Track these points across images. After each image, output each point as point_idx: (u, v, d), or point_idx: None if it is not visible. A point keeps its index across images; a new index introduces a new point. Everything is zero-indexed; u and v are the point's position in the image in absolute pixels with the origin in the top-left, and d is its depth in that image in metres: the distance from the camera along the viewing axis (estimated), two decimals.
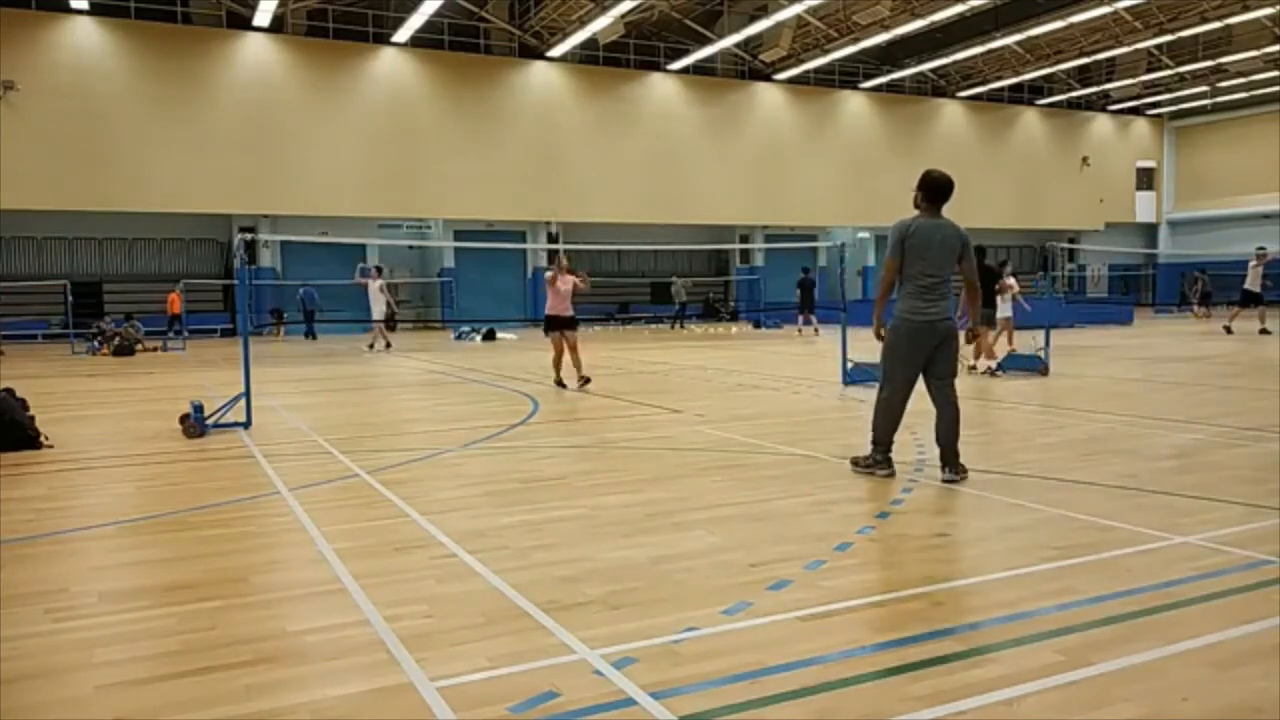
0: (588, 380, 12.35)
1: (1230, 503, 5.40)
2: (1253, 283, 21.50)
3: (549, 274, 12.66)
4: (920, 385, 6.15)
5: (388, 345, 22.05)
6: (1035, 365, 12.90)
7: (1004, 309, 16.36)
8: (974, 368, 13.48)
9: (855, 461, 6.42)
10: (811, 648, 3.32)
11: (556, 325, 12.59)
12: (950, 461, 6.03)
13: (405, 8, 28.44)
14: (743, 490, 5.99)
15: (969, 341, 7.07)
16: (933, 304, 5.92)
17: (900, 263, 5.98)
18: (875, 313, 6.23)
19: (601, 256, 36.15)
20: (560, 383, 12.54)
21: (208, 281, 29.01)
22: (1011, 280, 16.44)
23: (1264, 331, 21.04)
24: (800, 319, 26.21)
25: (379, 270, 22.68)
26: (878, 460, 6.21)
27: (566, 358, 12.54)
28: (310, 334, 28.51)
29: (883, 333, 6.18)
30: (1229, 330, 21.54)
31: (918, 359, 6.01)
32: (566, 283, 12.55)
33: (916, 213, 6.06)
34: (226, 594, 4.05)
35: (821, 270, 38.71)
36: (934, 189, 6.02)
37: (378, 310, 21.68)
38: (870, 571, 4.24)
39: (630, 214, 33.29)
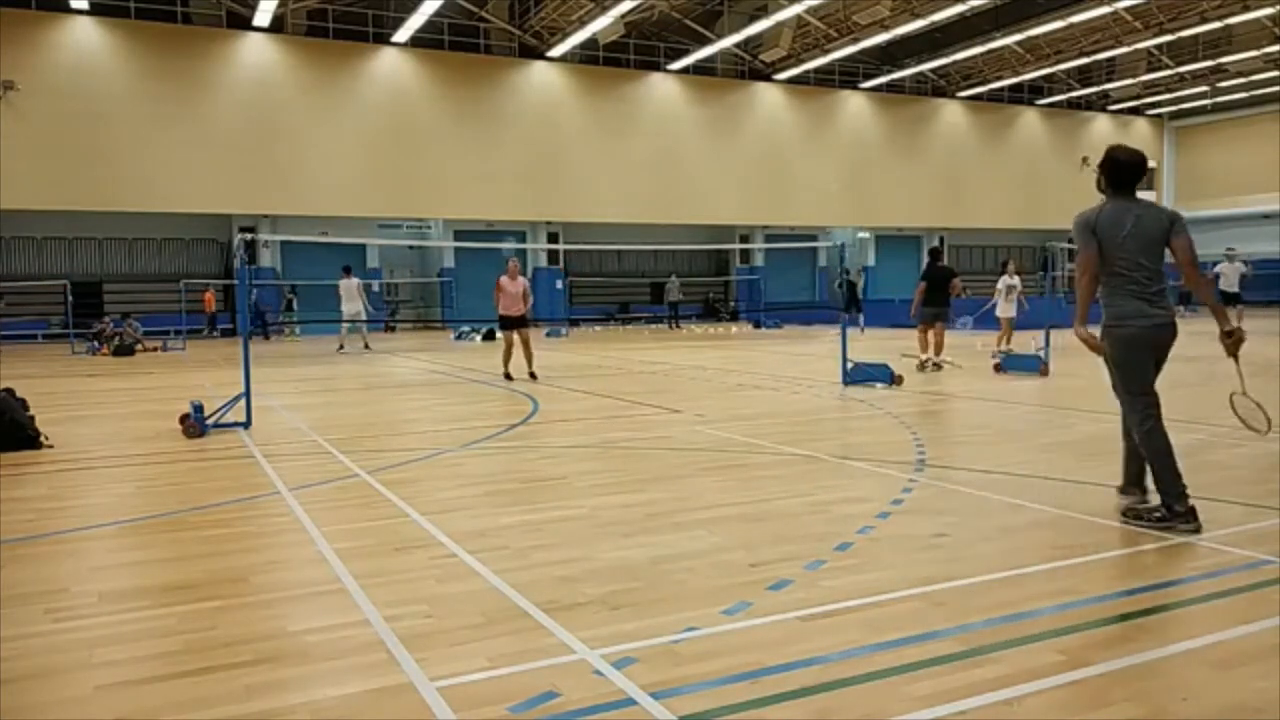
0: (534, 376, 13.37)
1: (1230, 503, 5.40)
2: (1228, 283, 21.40)
3: (502, 277, 13.69)
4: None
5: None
6: (1035, 365, 12.90)
7: (1008, 309, 16.42)
8: (924, 364, 13.77)
9: (1140, 515, 5.01)
10: (811, 648, 3.31)
11: (509, 324, 13.66)
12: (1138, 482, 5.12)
13: (405, 8, 28.44)
14: (743, 490, 5.99)
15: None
16: (1155, 304, 4.91)
17: (1098, 257, 4.90)
18: (1079, 317, 5.09)
19: (601, 256, 36.17)
20: (508, 375, 13.53)
21: (208, 281, 29.01)
22: (1015, 280, 16.50)
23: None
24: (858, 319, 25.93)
25: (347, 270, 22.33)
26: (1178, 513, 4.81)
27: (518, 352, 13.62)
28: (263, 335, 27.78)
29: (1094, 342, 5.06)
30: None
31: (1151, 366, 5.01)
32: (517, 285, 13.53)
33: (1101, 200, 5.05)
34: (226, 594, 4.05)
35: (822, 270, 38.79)
36: (1116, 170, 4.98)
37: (350, 309, 21.55)
38: (870, 571, 4.24)
39: (630, 214, 33.29)
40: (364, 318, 22.01)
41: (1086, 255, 4.91)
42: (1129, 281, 4.86)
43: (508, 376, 13.45)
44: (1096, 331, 5.02)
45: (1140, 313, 4.86)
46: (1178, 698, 2.90)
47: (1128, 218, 4.85)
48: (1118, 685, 2.99)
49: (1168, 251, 4.94)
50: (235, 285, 23.24)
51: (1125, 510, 5.04)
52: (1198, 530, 4.71)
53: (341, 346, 22.04)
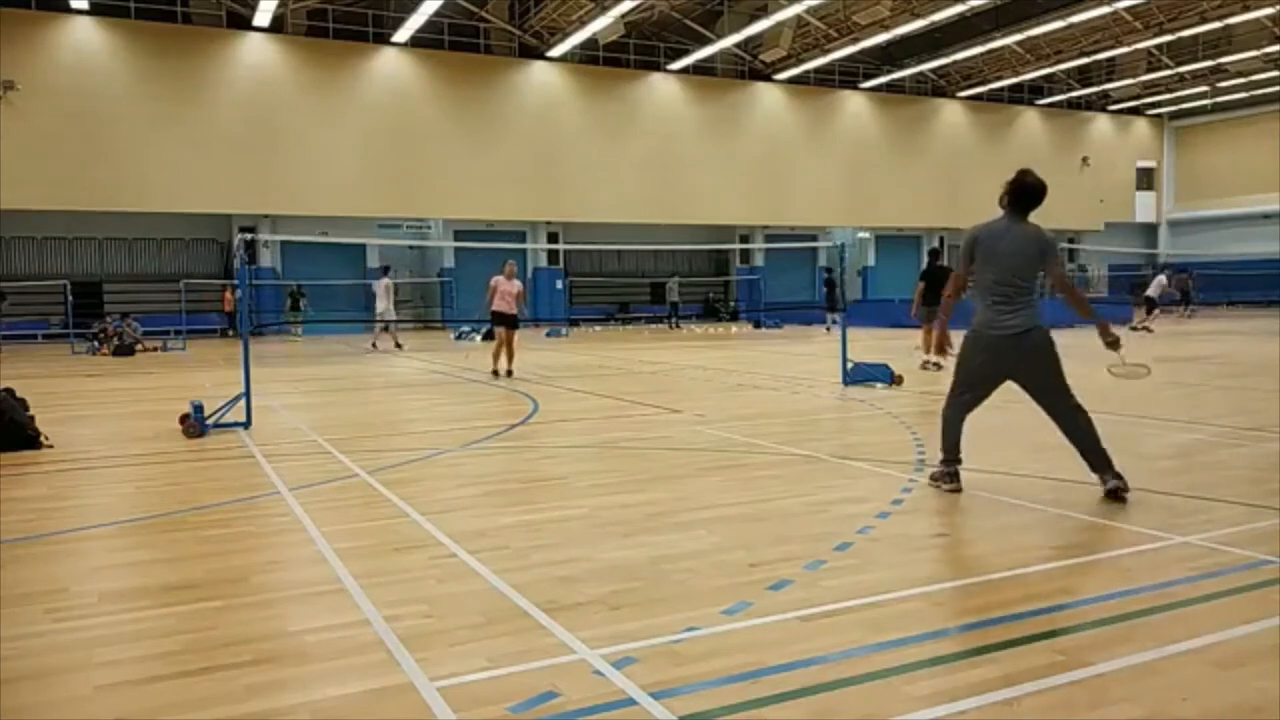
0: (510, 373, 13.89)
1: (1230, 503, 5.40)
2: (1154, 290, 23.98)
3: (498, 278, 14.15)
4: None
5: (374, 345, 22.06)
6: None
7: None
8: (926, 364, 13.79)
9: (933, 477, 5.89)
10: (811, 648, 3.31)
11: (501, 322, 14.12)
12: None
13: (405, 8, 28.44)
14: (743, 490, 5.99)
15: None
16: (1010, 313, 5.41)
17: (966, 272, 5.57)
18: (940, 324, 5.92)
19: (601, 256, 36.16)
20: (496, 373, 13.95)
21: (208, 281, 29.02)
22: None
23: (1141, 328, 22.67)
24: (830, 318, 26.21)
25: (385, 270, 22.62)
26: (943, 472, 5.76)
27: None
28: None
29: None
30: (1145, 328, 22.84)
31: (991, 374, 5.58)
32: (514, 286, 14.03)
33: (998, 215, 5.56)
34: (226, 594, 4.05)
35: (822, 270, 38.79)
36: (1021, 194, 5.47)
37: (380, 307, 21.72)
38: (870, 571, 4.23)
39: (630, 214, 33.29)
40: (391, 317, 21.96)
41: (959, 272, 5.66)
42: (991, 293, 5.41)
43: (495, 374, 13.89)
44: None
45: (991, 322, 5.41)
46: (1178, 698, 2.89)
47: (1007, 237, 5.40)
48: (1118, 685, 2.98)
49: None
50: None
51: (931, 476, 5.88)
52: (957, 490, 5.60)
53: (374, 345, 22.11)
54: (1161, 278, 24.83)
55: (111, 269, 30.26)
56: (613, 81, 33.42)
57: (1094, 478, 5.56)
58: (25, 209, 26.40)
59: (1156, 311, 23.82)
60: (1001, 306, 5.38)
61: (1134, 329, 22.66)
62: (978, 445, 7.05)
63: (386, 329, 22.94)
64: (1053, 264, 5.44)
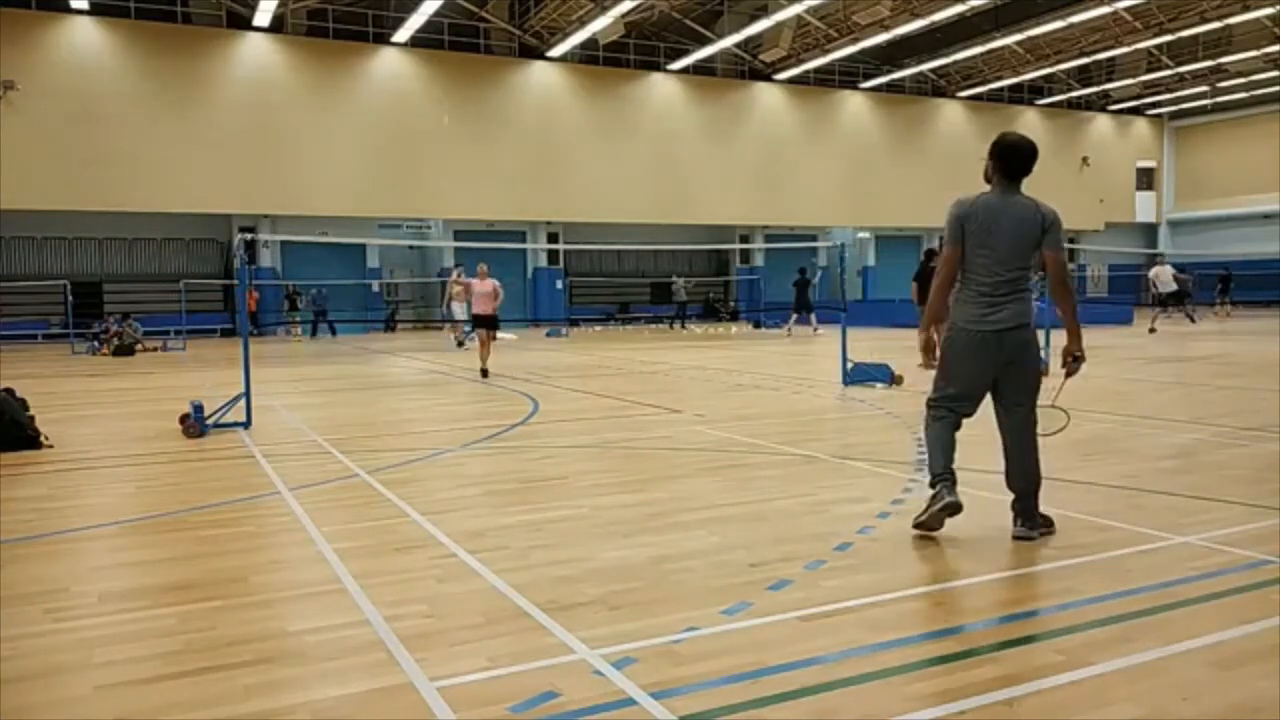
0: (485, 374, 14.02)
1: (1230, 503, 5.40)
2: (1165, 285, 23.93)
3: (471, 280, 14.50)
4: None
5: (459, 343, 21.90)
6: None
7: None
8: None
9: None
10: (811, 648, 3.31)
11: (482, 323, 14.44)
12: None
13: (405, 8, 28.45)
14: (743, 490, 5.99)
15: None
16: (998, 308, 4.62)
17: (961, 253, 4.65)
18: (927, 317, 4.99)
19: (601, 256, 36.16)
20: (485, 372, 14.05)
21: (208, 281, 29.02)
22: None
23: (1153, 330, 22.46)
24: (793, 318, 25.95)
25: (460, 269, 22.14)
26: (933, 486, 4.87)
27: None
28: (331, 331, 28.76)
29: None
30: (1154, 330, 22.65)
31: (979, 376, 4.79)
32: (486, 286, 14.28)
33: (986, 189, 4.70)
34: (226, 594, 4.05)
35: (822, 270, 38.79)
36: (1009, 156, 4.62)
37: (458, 310, 21.55)
38: (870, 571, 4.23)
39: (630, 214, 33.30)
40: (460, 316, 21.85)
41: (951, 252, 4.67)
42: (978, 281, 4.62)
43: (484, 373, 14.01)
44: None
45: (976, 317, 4.63)
46: (1178, 698, 2.89)
47: (1006, 213, 4.57)
48: (1118, 685, 2.98)
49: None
50: (235, 285, 23.23)
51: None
52: (958, 510, 4.68)
53: (461, 343, 21.88)
54: (1168, 268, 24.20)
55: (111, 269, 30.26)
56: (613, 81, 33.43)
57: (1093, 478, 5.56)
58: (25, 209, 26.40)
59: (1188, 305, 23.37)
60: (991, 297, 4.60)
61: (1192, 318, 22.56)
62: (978, 445, 7.05)
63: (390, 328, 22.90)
64: (1056, 245, 4.59)
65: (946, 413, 4.89)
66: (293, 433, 8.81)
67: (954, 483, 4.76)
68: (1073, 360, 4.87)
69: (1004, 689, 2.95)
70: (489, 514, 5.44)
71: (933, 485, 4.78)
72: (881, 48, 34.14)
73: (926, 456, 4.98)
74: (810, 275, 26.93)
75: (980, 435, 8.26)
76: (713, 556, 4.48)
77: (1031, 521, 4.72)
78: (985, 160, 4.73)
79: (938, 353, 4.98)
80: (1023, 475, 4.77)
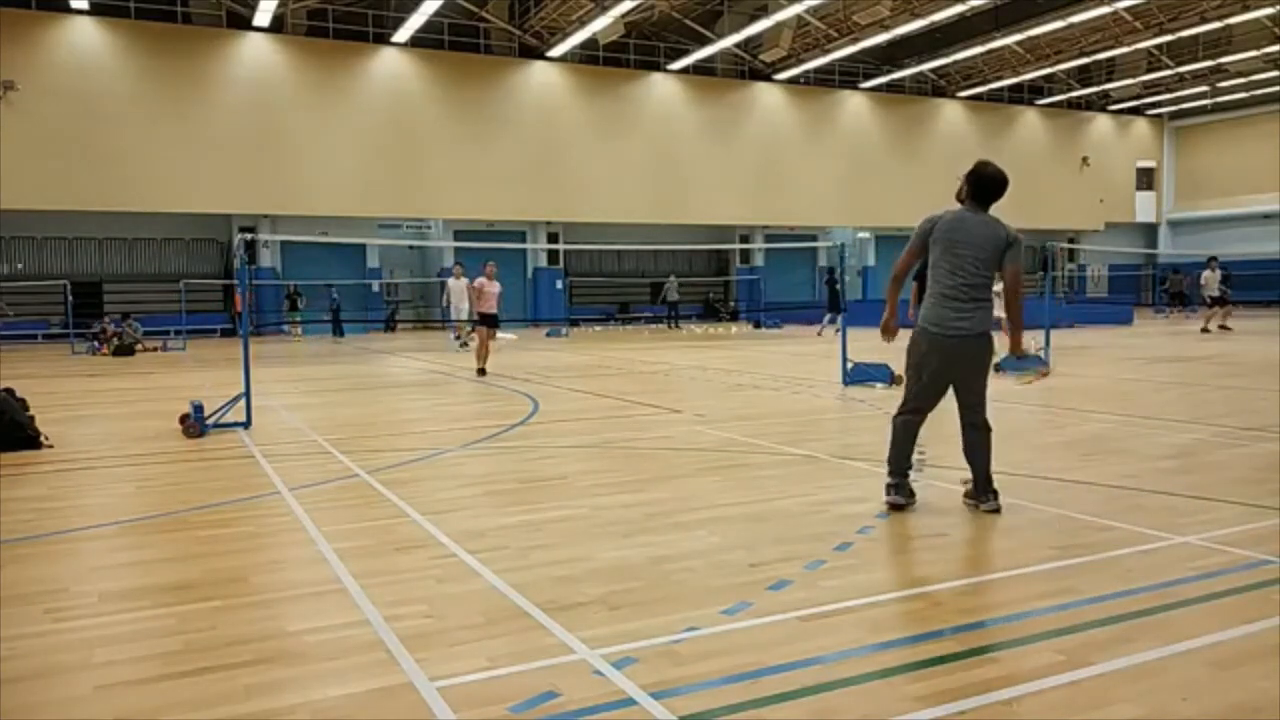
0: (483, 372, 14.13)
1: (1230, 503, 5.40)
2: (1210, 289, 23.27)
3: (481, 280, 14.45)
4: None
5: (463, 344, 21.12)
6: (1035, 365, 12.90)
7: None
8: None
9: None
10: (811, 648, 3.32)
11: (485, 321, 14.48)
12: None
13: (405, 8, 28.45)
14: (743, 490, 5.99)
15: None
16: (962, 315, 5.06)
17: (917, 259, 5.20)
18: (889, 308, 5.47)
19: (601, 256, 36.16)
20: (482, 370, 14.19)
21: (208, 281, 29.03)
22: None
23: (1206, 330, 22.24)
24: (826, 319, 25.66)
25: (461, 266, 21.51)
26: (890, 485, 5.35)
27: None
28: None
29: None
30: (1209, 331, 22.35)
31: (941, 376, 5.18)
32: (494, 286, 14.40)
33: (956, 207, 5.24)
34: (226, 594, 4.05)
35: (822, 270, 38.81)
36: (981, 185, 5.17)
37: (463, 309, 20.62)
38: (870, 571, 4.24)
39: (630, 214, 33.30)
40: (465, 315, 21.41)
41: (906, 256, 5.30)
42: (944, 288, 5.05)
43: (481, 372, 14.14)
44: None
45: (942, 320, 5.04)
46: (1178, 698, 2.90)
47: (967, 229, 5.06)
48: (1118, 685, 2.98)
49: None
50: (235, 285, 23.14)
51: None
52: (898, 504, 5.22)
53: (465, 344, 21.04)
54: (1218, 273, 23.52)
55: (111, 269, 30.26)
56: (613, 81, 33.42)
57: (1093, 478, 5.56)
58: (25, 209, 26.39)
59: (1228, 307, 22.74)
60: (955, 304, 5.01)
61: (1206, 330, 22.27)
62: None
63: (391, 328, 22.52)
64: (1014, 261, 5.09)
65: (913, 414, 5.31)
66: (293, 433, 8.81)
67: (908, 486, 5.35)
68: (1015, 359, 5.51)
69: (1004, 689, 2.95)
70: (489, 514, 5.44)
71: (889, 475, 5.32)
72: (881, 48, 34.14)
73: (889, 451, 5.36)
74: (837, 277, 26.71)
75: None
76: (713, 556, 4.48)
77: (991, 492, 5.18)
78: (959, 180, 5.27)
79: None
80: (972, 463, 5.25)
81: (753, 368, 15.24)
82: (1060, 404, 10.10)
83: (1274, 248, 37.24)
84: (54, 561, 4.66)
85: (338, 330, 29.20)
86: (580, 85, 32.93)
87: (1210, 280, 23.09)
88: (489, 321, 14.51)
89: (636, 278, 37.33)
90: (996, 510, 5.14)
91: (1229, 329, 22.17)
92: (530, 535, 4.93)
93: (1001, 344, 6.18)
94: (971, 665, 3.15)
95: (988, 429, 5.23)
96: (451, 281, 20.72)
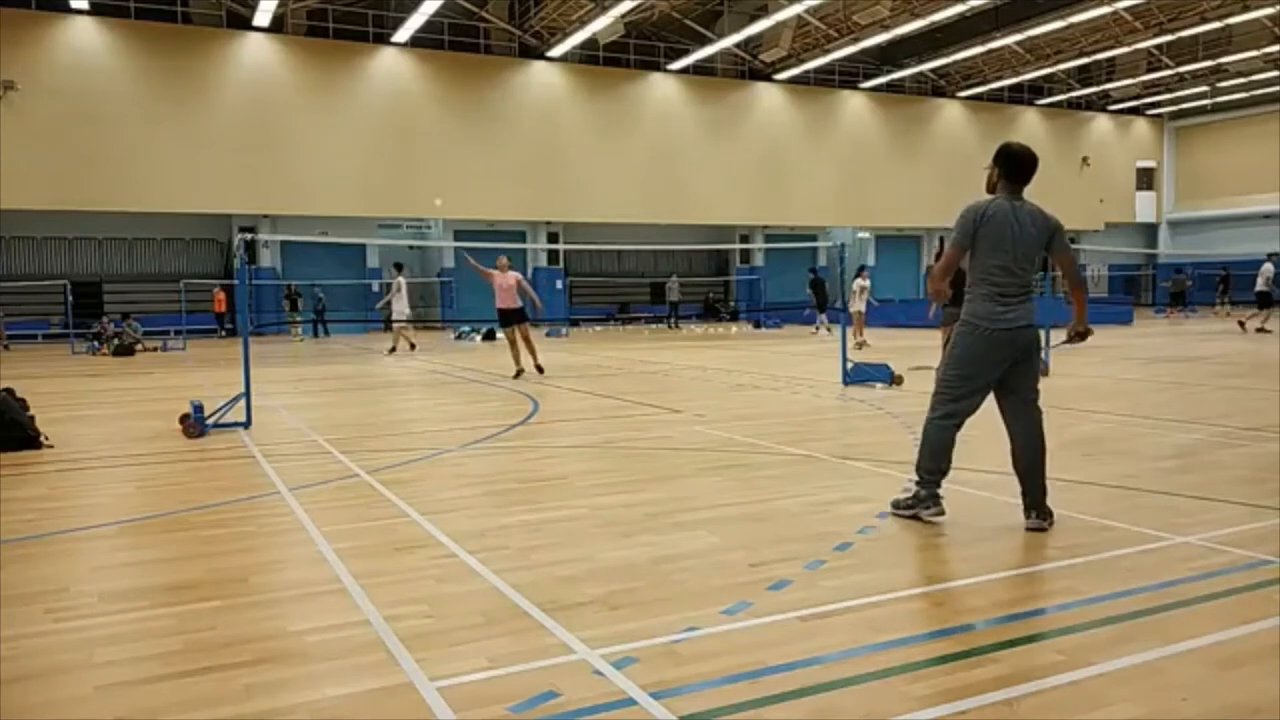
0: (541, 369, 13.68)
1: (1230, 503, 5.40)
2: (1265, 284, 23.05)
3: (492, 271, 13.79)
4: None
5: (411, 346, 20.88)
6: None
7: (859, 304, 16.50)
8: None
9: (898, 504, 5.22)
10: (811, 648, 3.32)
11: (505, 320, 13.79)
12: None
13: (405, 8, 28.44)
14: (743, 490, 5.99)
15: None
16: (1011, 308, 4.84)
17: (965, 254, 4.91)
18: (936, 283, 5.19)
19: (601, 256, 36.16)
20: (520, 372, 13.67)
21: (208, 281, 29.03)
22: (867, 282, 16.61)
23: (1262, 330, 21.82)
24: (820, 318, 25.70)
25: (399, 267, 21.23)
26: (922, 497, 5.07)
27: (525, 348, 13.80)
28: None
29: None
30: (1244, 329, 22.19)
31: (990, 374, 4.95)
32: (508, 279, 13.62)
33: (991, 196, 5.00)
34: (226, 594, 4.05)
35: (822, 269, 38.77)
36: (1014, 165, 4.98)
37: (399, 309, 20.43)
38: (870, 571, 4.23)
39: (630, 214, 33.30)
40: (406, 317, 20.67)
41: (954, 253, 4.93)
42: (991, 282, 4.84)
43: (519, 374, 13.62)
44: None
45: (992, 316, 4.84)
46: (1178, 698, 2.90)
47: (1017, 218, 4.85)
48: (1118, 685, 2.98)
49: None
50: (235, 285, 23.13)
51: (893, 503, 5.25)
52: (941, 514, 5.00)
53: (394, 348, 20.79)
54: (1269, 266, 23.12)
55: (111, 269, 30.26)
56: (613, 81, 33.42)
57: (1093, 478, 5.56)
58: (25, 209, 26.39)
59: (1274, 308, 22.26)
60: (1004, 298, 4.83)
61: (1244, 326, 22.13)
62: (977, 445, 7.07)
63: (391, 328, 22.24)
64: (1063, 249, 4.95)
65: (954, 417, 5.08)
66: (293, 433, 8.81)
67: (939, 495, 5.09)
68: (1077, 336, 5.20)
69: (1004, 689, 2.95)
70: (489, 514, 5.44)
71: (922, 485, 5.06)
72: (881, 48, 34.14)
73: (921, 454, 5.08)
74: (823, 274, 26.74)
75: (980, 435, 8.28)
76: (713, 556, 4.48)
77: (1043, 510, 4.91)
78: (988, 169, 5.07)
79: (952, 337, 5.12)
80: (1030, 448, 4.98)
81: (753, 368, 15.24)
82: (1060, 404, 10.09)
83: (1274, 248, 37.20)
84: (54, 561, 4.66)
85: (321, 330, 28.93)
86: (580, 85, 32.93)
87: (1267, 274, 22.66)
88: (513, 318, 13.68)
89: (636, 278, 37.32)
90: (1039, 529, 4.87)
91: (1268, 331, 21.51)
92: (530, 535, 4.93)
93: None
94: (971, 665, 3.15)
95: (1041, 414, 5.06)
96: (395, 281, 20.16)
